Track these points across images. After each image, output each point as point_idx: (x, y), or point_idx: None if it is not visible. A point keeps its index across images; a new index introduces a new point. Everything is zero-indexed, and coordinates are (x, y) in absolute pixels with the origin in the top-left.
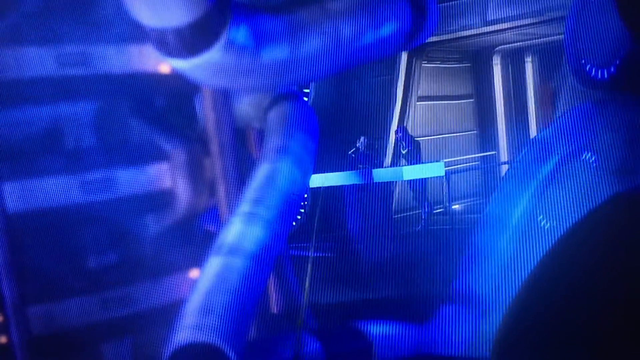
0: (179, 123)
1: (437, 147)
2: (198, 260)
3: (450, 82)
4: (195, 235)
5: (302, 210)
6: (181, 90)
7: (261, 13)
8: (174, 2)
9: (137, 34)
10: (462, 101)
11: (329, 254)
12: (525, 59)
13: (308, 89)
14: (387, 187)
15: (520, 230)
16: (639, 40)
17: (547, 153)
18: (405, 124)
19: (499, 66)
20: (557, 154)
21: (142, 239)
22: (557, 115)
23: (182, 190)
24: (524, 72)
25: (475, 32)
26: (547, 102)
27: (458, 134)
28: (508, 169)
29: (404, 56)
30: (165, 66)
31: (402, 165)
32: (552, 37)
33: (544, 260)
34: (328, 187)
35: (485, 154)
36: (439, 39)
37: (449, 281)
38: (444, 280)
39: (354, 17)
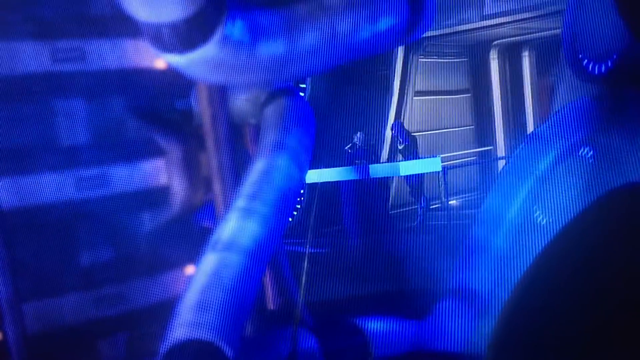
0: (175, 119)
1: (434, 142)
2: (194, 257)
3: (447, 76)
4: (191, 232)
5: (299, 206)
6: (177, 85)
7: (257, 8)
8: None
9: (132, 29)
10: (459, 96)
11: (326, 250)
12: (523, 54)
13: (304, 84)
14: (383, 183)
15: (517, 225)
16: (636, 35)
17: (544, 148)
18: (402, 119)
19: (496, 61)
20: (555, 149)
21: (137, 235)
22: (555, 110)
23: (178, 186)
24: (521, 67)
25: (472, 27)
26: (545, 96)
27: (455, 129)
28: (505, 164)
29: (401, 51)
30: (161, 62)
31: (399, 161)
32: (550, 32)
33: (540, 256)
34: (324, 182)
35: (482, 149)
36: (436, 34)
37: (446, 277)
38: (440, 276)
39: (350, 11)
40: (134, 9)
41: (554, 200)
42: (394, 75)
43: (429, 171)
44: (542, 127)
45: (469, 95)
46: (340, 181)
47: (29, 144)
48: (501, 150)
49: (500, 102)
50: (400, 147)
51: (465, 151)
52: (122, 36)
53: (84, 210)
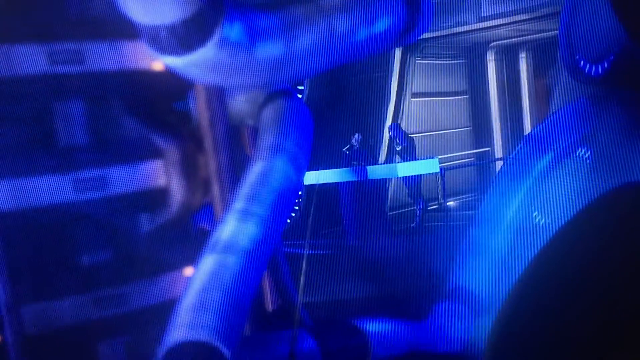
0: (173, 121)
1: (432, 143)
2: (192, 258)
3: (445, 78)
4: (189, 233)
5: (297, 208)
6: (175, 87)
7: (255, 10)
8: None
9: (130, 31)
10: (457, 97)
11: (324, 251)
12: (520, 55)
13: (302, 85)
14: (381, 184)
15: (515, 226)
16: (632, 37)
17: (542, 149)
18: (399, 121)
19: (493, 62)
20: (552, 150)
21: (135, 237)
22: (552, 111)
23: (176, 188)
24: (518, 68)
25: (469, 28)
26: (542, 98)
27: (452, 131)
28: (502, 165)
29: (398, 52)
30: (159, 63)
31: (397, 162)
32: (547, 33)
33: (538, 256)
34: (322, 184)
35: (479, 150)
36: (433, 35)
37: (444, 278)
38: (439, 277)
39: (347, 13)
40: (132, 11)
41: (551, 201)
42: (392, 77)
43: (426, 172)
44: (539, 128)
45: (467, 96)
46: (338, 183)
47: (26, 146)
48: (499, 152)
49: (497, 103)
50: (398, 149)
51: (463, 152)
52: (120, 38)
53: (83, 212)
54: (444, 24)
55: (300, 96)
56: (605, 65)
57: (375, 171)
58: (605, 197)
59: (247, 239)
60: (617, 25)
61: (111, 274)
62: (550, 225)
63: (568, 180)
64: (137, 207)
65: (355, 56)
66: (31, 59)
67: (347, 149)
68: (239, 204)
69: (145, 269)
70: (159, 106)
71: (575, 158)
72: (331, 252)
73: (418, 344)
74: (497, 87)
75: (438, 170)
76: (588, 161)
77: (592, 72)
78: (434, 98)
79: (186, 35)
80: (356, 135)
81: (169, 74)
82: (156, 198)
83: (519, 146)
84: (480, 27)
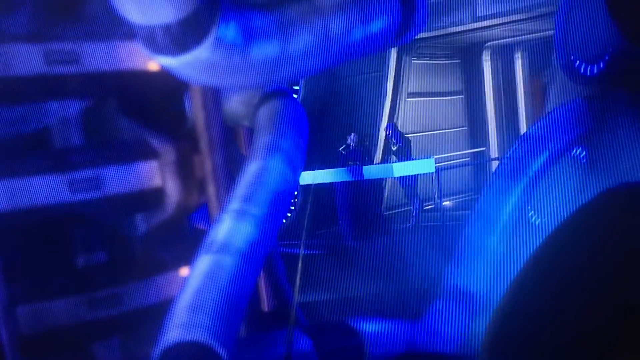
0: (168, 121)
1: (428, 143)
2: (188, 259)
3: (440, 78)
4: (185, 234)
5: (293, 208)
6: (170, 88)
7: (251, 10)
8: None
9: (125, 31)
10: (452, 97)
11: (320, 251)
12: (515, 55)
13: (298, 85)
14: (377, 184)
15: (510, 226)
16: (628, 37)
17: (537, 149)
18: (395, 121)
19: (488, 62)
20: (547, 149)
21: (131, 237)
22: (547, 111)
23: (172, 189)
24: (513, 68)
25: (464, 28)
26: (537, 98)
27: (448, 130)
28: (498, 165)
29: (394, 52)
30: (154, 64)
31: (393, 162)
32: (542, 33)
33: (534, 256)
34: (318, 184)
35: (475, 150)
36: (428, 35)
37: (440, 277)
38: (435, 277)
39: (343, 13)
40: (127, 11)
41: (547, 201)
42: (387, 77)
43: (422, 172)
44: (535, 128)
45: (462, 96)
46: (334, 183)
47: (21, 146)
48: (494, 151)
49: (493, 103)
50: (393, 149)
51: (459, 152)
52: (116, 38)
53: (78, 212)
54: (440, 24)
55: (296, 96)
56: (601, 65)
57: (371, 171)
58: (600, 196)
59: (243, 239)
60: (612, 25)
61: (107, 274)
62: (546, 225)
63: (564, 180)
64: (133, 208)
65: (351, 56)
66: (27, 59)
67: (343, 149)
68: (234, 204)
69: (141, 269)
70: (154, 106)
71: (570, 158)
72: (327, 252)
73: (414, 343)
74: (492, 87)
75: (434, 170)
76: (583, 161)
77: (588, 72)
78: (430, 98)
79: (181, 36)
80: (352, 135)
81: (165, 74)
82: (152, 198)
83: (515, 146)
84: (476, 27)
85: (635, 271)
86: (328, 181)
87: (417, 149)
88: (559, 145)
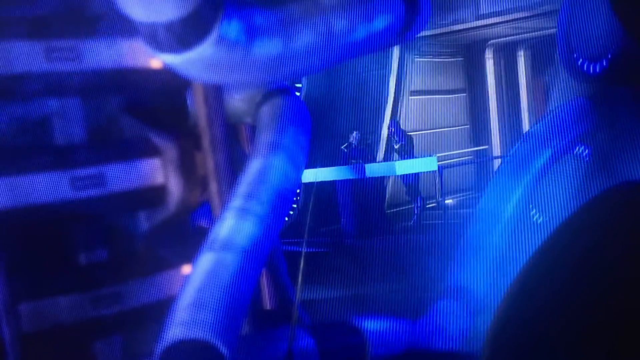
0: (170, 118)
1: (430, 141)
2: (190, 256)
3: (443, 76)
4: (187, 231)
5: (295, 206)
6: (172, 85)
7: (253, 7)
8: None
9: (127, 28)
10: (455, 95)
11: (322, 249)
12: (518, 53)
13: (300, 83)
14: (380, 182)
15: (513, 224)
16: (630, 35)
17: (540, 147)
18: (397, 119)
19: (491, 60)
20: (550, 148)
21: (133, 235)
22: (550, 109)
23: (174, 186)
24: (516, 66)
25: (467, 26)
26: (540, 96)
27: (451, 129)
28: (501, 163)
29: (397, 50)
30: (156, 61)
31: (395, 160)
32: (545, 31)
33: (536, 254)
34: (321, 182)
35: (478, 148)
36: (431, 33)
37: (442, 276)
38: (437, 275)
39: (346, 11)
40: (130, 8)
41: (550, 199)
42: (390, 75)
43: (425, 170)
44: (537, 126)
45: (465, 94)
46: (336, 180)
47: (23, 144)
48: (497, 150)
49: (495, 101)
50: (396, 147)
51: (461, 150)
52: (118, 35)
53: (80, 210)
54: (443, 22)
55: (298, 94)
56: (604, 64)
57: (374, 169)
58: (603, 195)
59: (245, 237)
60: (615, 23)
61: (109, 271)
62: (549, 223)
63: (566, 178)
64: (135, 205)
65: (354, 54)
66: (28, 56)
67: (345, 147)
68: (236, 201)
69: (143, 267)
70: (156, 104)
71: (573, 156)
72: (329, 250)
73: (416, 342)
74: (495, 85)
75: (436, 168)
76: (586, 159)
77: (591, 70)
78: (432, 96)
79: (184, 33)
80: (354, 133)
81: (167, 72)
82: (154, 196)
83: (517, 144)
84: (479, 24)
85: (639, 270)
86: (330, 179)
87: (420, 147)
88: (561, 144)
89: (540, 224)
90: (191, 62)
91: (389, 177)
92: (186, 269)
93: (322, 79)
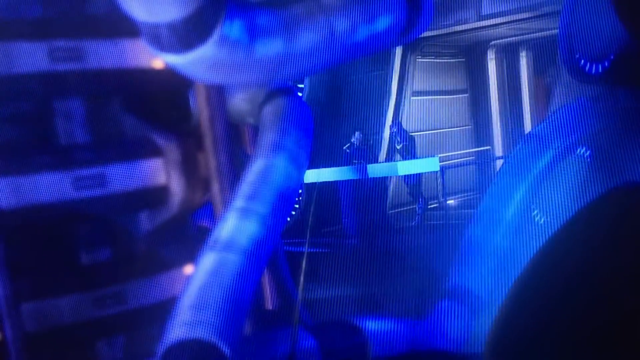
0: (173, 119)
1: (432, 142)
2: (192, 257)
3: (445, 76)
4: (189, 231)
5: (297, 206)
6: (175, 85)
7: (255, 8)
8: None
9: (130, 29)
10: (457, 96)
11: (324, 250)
12: (520, 54)
13: (302, 84)
14: (382, 183)
15: (515, 225)
16: (633, 35)
17: (542, 148)
18: (399, 119)
19: (493, 61)
20: (552, 148)
21: (135, 235)
22: (552, 110)
23: (176, 186)
24: (518, 67)
25: (469, 27)
26: (542, 96)
27: (453, 129)
28: (503, 164)
29: (399, 51)
30: (159, 61)
31: (397, 161)
32: (547, 32)
33: (538, 255)
34: (323, 182)
35: (480, 149)
36: (433, 34)
37: (444, 277)
38: (438, 276)
39: (348, 11)
40: (132, 8)
41: (551, 200)
42: (392, 75)
43: (427, 171)
44: (539, 127)
45: (467, 95)
46: (338, 181)
47: (26, 144)
48: (499, 150)
49: (497, 102)
50: (398, 147)
51: (463, 151)
52: (121, 36)
53: (82, 210)
54: (445, 23)
55: (300, 94)
56: (606, 64)
57: (376, 169)
58: (605, 196)
59: (247, 237)
60: (617, 23)
61: (111, 271)
62: (550, 224)
63: (568, 179)
64: (137, 205)
65: (356, 54)
66: (31, 56)
67: (347, 147)
68: (239, 202)
69: (145, 267)
70: (159, 104)
71: (575, 157)
72: (331, 251)
73: (418, 342)
74: (497, 86)
75: (438, 168)
76: (588, 160)
77: (592, 71)
78: (435, 96)
79: (186, 33)
80: (356, 134)
81: (169, 72)
82: (156, 196)
83: (519, 145)
84: (481, 25)
85: None
86: (332, 179)
87: (422, 147)
88: (563, 145)
89: (541, 224)
90: (194, 62)
91: (391, 177)
92: (188, 269)
93: (324, 79)
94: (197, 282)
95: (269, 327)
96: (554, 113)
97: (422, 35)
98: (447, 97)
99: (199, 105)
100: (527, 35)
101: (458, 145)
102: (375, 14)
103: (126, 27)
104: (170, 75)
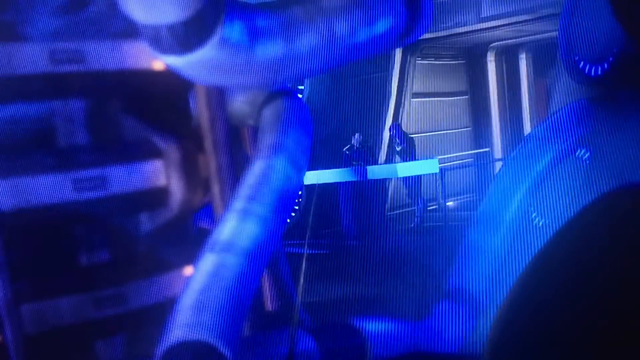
0: (173, 120)
1: (432, 144)
2: (192, 258)
3: (445, 78)
4: (189, 233)
5: (297, 207)
6: (175, 87)
7: (256, 10)
8: None
9: (130, 31)
10: (457, 98)
11: (324, 251)
12: (520, 56)
13: (302, 85)
14: (381, 184)
15: (514, 227)
16: (632, 37)
17: (541, 150)
18: (399, 121)
19: (493, 63)
20: (551, 150)
21: (135, 237)
22: (551, 112)
23: (176, 188)
24: (518, 69)
25: (469, 29)
26: (541, 98)
27: (452, 131)
28: (502, 166)
29: (399, 53)
30: (159, 63)
31: (397, 162)
32: (547, 34)
33: (537, 257)
34: (322, 184)
35: (479, 150)
36: (433, 36)
37: (443, 278)
38: (438, 278)
39: (348, 13)
40: (133, 10)
41: (551, 202)
42: (392, 77)
43: (426, 173)
44: (539, 128)
45: (467, 97)
46: (338, 183)
47: (26, 145)
48: (498, 152)
49: (497, 104)
50: (397, 149)
51: (463, 153)
52: (121, 38)
53: (82, 211)
54: (444, 25)
55: (300, 96)
56: (605, 66)
57: (375, 171)
58: (604, 198)
59: (247, 238)
60: (616, 26)
61: (111, 273)
62: (550, 226)
63: (567, 181)
64: (137, 207)
65: (356, 57)
66: (32, 58)
67: (347, 149)
68: (239, 203)
69: (145, 268)
70: (159, 106)
71: (574, 159)
72: (331, 252)
73: (417, 344)
74: (497, 88)
75: (437, 170)
76: (587, 162)
77: (592, 73)
78: (434, 98)
79: (186, 35)
80: (356, 135)
81: (170, 74)
82: (156, 198)
83: (519, 147)
84: (481, 27)
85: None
86: (332, 181)
87: (421, 149)
88: (563, 147)
89: (541, 226)
90: (194, 64)
91: (390, 179)
92: (188, 270)
93: (324, 81)
94: (197, 283)
95: (269, 329)
96: (553, 115)
97: (422, 38)
98: (446, 99)
99: (199, 107)
100: (526, 38)
101: (457, 147)
102: (375, 16)
103: (127, 29)
104: (170, 77)
